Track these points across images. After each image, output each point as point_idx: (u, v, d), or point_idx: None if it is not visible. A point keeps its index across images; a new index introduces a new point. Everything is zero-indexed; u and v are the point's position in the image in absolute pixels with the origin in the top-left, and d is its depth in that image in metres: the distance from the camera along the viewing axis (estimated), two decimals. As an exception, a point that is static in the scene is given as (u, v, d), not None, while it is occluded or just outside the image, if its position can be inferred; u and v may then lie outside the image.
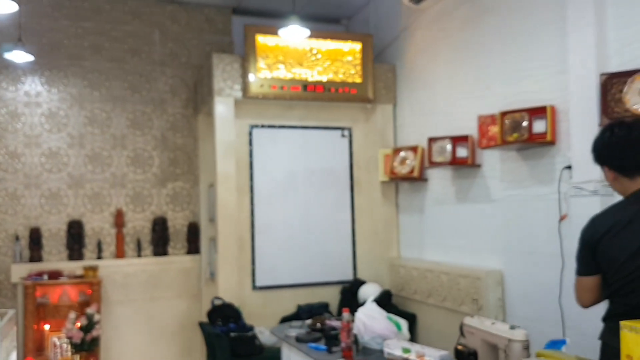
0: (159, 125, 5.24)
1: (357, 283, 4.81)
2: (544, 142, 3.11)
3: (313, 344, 2.83)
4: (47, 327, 4.59)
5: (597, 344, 2.54)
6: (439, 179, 4.31)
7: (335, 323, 3.19)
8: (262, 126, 4.82)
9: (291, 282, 4.82)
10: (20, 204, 4.81)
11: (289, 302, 4.72)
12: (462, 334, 2.05)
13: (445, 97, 4.23)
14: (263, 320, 4.51)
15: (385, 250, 4.87)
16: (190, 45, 5.38)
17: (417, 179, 4.43)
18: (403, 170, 4.48)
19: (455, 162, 3.89)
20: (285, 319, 4.58)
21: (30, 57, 4.47)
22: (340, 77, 4.75)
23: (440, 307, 4.09)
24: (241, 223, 4.67)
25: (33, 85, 4.89)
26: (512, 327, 1.75)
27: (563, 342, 1.64)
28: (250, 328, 4.23)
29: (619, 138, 1.90)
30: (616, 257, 1.82)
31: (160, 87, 5.26)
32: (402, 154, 4.54)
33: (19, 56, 4.39)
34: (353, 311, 4.46)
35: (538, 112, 3.11)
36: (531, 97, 3.27)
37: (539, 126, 3.10)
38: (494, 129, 3.40)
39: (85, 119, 5.01)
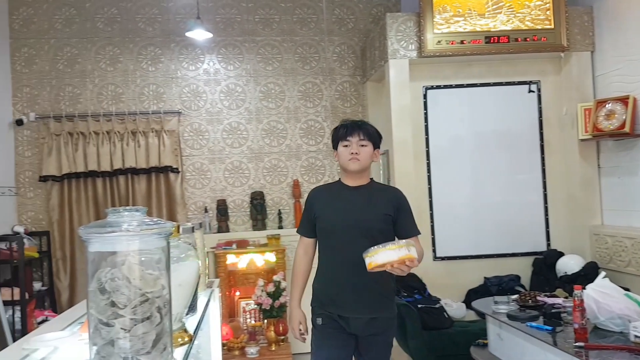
0: (328, 95, 5.18)
1: (551, 254, 4.34)
2: None
3: (533, 323, 2.52)
4: (237, 293, 4.83)
5: None
6: (659, 134, 3.66)
7: (549, 300, 2.83)
8: (438, 87, 4.51)
9: (475, 252, 4.51)
10: (207, 177, 5.08)
11: (474, 274, 4.42)
12: None
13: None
14: (446, 292, 4.28)
15: (584, 217, 4.32)
16: (357, 9, 5.21)
17: (628, 134, 3.81)
18: (610, 125, 3.88)
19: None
20: (472, 292, 4.31)
21: (208, 35, 4.63)
22: (527, 25, 4.24)
23: (666, 283, 3.51)
24: (418, 191, 4.44)
25: (211, 64, 5.09)
26: None
27: None
28: (437, 300, 4.02)
29: None
30: None
31: (328, 56, 5.18)
32: (608, 106, 3.93)
33: (199, 34, 4.56)
34: (551, 285, 4.05)
35: None
36: None
37: None
38: None
39: (260, 94, 5.11)
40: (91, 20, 4.95)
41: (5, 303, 3.91)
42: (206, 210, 5.01)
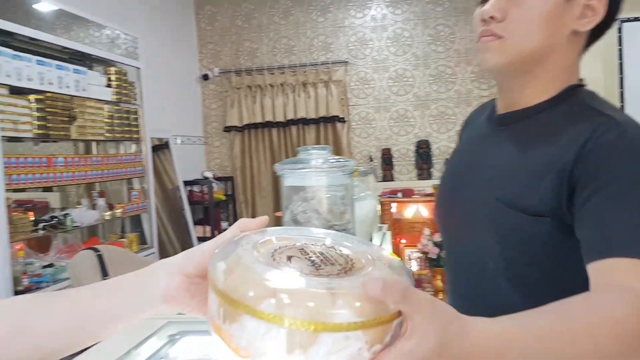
0: (502, 36, 4.81)
1: None
2: None
3: None
4: (403, 241, 4.87)
5: None
6: None
7: None
8: (636, 19, 3.91)
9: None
10: (372, 126, 5.11)
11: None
12: None
13: None
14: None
15: None
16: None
17: None
18: None
19: None
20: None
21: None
22: None
23: None
24: (608, 138, 3.98)
25: (378, 9, 5.02)
26: None
27: None
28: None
29: None
30: None
31: (503, -9, 4.78)
32: None
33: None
34: None
35: None
36: None
37: None
38: None
39: (428, 38, 4.94)
40: (264, -25, 5.18)
41: (199, 239, 4.44)
42: (371, 159, 5.07)
